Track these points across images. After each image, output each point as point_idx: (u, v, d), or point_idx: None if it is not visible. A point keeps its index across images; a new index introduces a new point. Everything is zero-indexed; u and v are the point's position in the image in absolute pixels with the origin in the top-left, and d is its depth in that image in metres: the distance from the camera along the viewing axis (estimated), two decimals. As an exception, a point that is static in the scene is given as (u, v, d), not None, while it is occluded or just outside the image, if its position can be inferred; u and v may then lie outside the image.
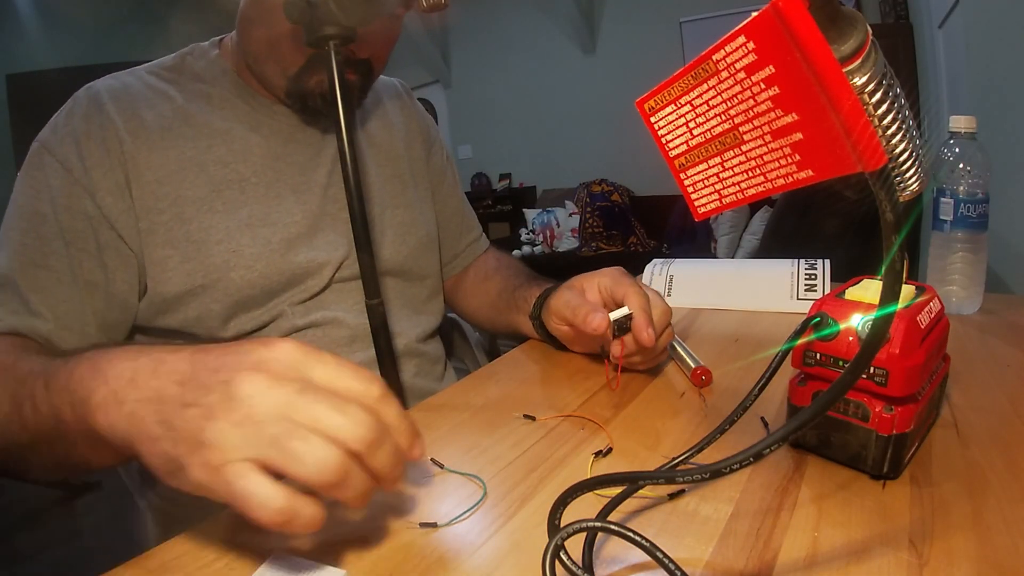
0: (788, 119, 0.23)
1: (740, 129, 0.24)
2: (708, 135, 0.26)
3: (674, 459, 0.37)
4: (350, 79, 0.61)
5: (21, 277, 0.55)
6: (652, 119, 0.27)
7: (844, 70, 0.23)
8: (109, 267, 0.58)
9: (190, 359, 0.32)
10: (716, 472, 0.27)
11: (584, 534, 0.30)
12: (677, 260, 0.86)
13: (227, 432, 0.29)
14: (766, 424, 0.45)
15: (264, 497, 0.28)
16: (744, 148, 0.25)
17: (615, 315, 0.51)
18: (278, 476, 0.29)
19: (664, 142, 0.27)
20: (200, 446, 0.29)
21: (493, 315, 0.78)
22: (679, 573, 0.26)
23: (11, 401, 0.42)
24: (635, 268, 0.90)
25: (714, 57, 0.24)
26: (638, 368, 0.57)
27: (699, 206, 0.28)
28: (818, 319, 0.38)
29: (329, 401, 0.30)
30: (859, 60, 0.23)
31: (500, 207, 4.57)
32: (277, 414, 0.29)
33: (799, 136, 0.23)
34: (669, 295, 0.81)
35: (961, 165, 0.65)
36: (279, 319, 0.63)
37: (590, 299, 0.58)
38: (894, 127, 0.24)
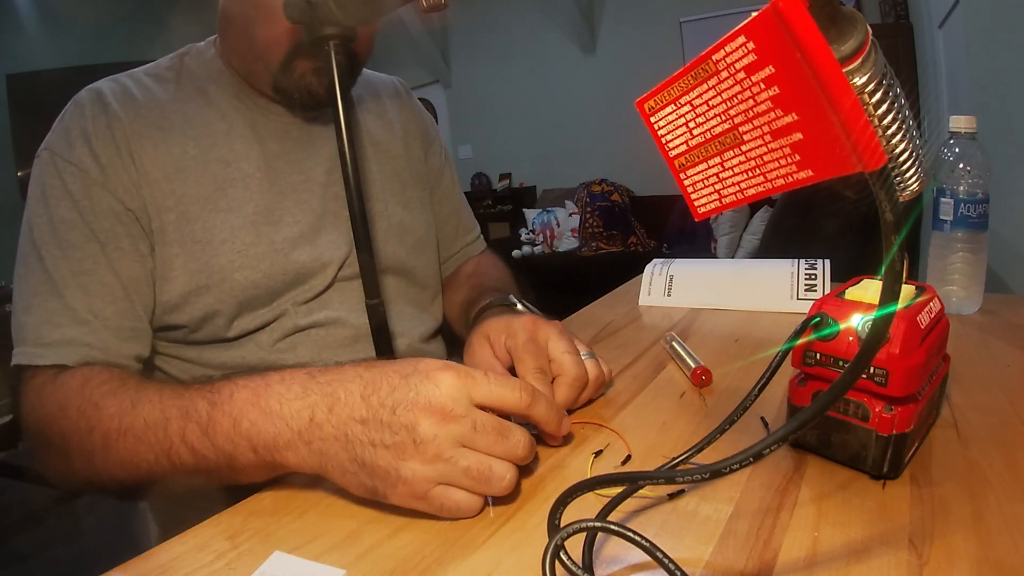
0: (788, 119, 0.23)
1: (740, 129, 0.24)
2: (708, 135, 0.26)
3: (674, 459, 0.37)
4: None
5: (64, 287, 0.54)
6: (652, 119, 0.27)
7: (844, 70, 0.23)
8: (146, 259, 0.58)
9: (361, 396, 0.37)
10: (716, 472, 0.27)
11: (584, 534, 0.30)
12: (677, 260, 0.85)
13: (421, 469, 0.35)
14: (766, 424, 0.45)
15: (467, 506, 0.36)
16: (744, 148, 0.25)
17: None
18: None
19: (664, 142, 0.27)
20: (399, 481, 0.36)
21: (460, 328, 0.74)
22: (679, 573, 0.26)
23: (153, 449, 0.43)
24: (635, 268, 0.90)
25: (714, 57, 0.24)
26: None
27: (699, 206, 0.28)
28: (818, 319, 0.38)
29: (496, 429, 0.37)
30: (859, 60, 0.23)
31: (500, 207, 4.56)
32: (459, 449, 0.36)
33: (799, 136, 0.23)
34: (669, 295, 0.81)
35: (961, 165, 0.65)
36: (282, 318, 0.63)
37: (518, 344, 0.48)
38: (894, 127, 0.24)
